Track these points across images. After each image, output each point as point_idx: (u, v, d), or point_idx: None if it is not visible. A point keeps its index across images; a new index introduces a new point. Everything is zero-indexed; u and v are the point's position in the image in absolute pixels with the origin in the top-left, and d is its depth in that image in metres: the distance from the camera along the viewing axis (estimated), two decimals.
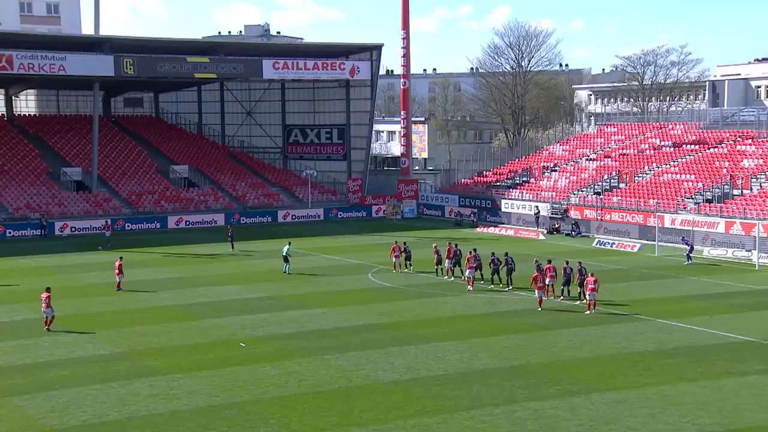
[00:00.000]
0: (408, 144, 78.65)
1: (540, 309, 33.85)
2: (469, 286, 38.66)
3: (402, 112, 78.42)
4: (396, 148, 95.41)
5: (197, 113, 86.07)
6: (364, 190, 76.55)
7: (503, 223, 67.05)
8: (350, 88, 78.77)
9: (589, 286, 33.74)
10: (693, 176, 61.68)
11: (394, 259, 43.91)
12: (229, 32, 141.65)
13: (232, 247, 52.07)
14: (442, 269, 42.18)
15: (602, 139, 76.94)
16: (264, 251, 51.86)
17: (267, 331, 31.21)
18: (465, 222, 67.94)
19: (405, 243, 45.73)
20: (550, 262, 36.95)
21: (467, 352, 27.85)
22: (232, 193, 73.60)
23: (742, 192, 56.92)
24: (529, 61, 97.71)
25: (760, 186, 56.85)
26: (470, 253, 39.58)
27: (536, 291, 34.14)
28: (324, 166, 79.76)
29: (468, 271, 39.01)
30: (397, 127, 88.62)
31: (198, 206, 69.97)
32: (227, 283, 41.19)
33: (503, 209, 69.62)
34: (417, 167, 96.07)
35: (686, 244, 47.38)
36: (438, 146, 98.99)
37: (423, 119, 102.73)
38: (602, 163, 70.93)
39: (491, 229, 64.28)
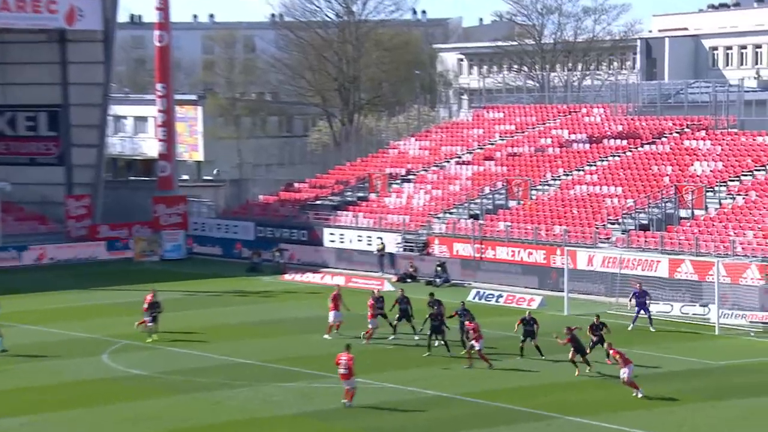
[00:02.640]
0: (170, 138, 78.01)
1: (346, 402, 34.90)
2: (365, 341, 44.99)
3: (159, 86, 77.61)
4: (150, 146, 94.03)
5: None
6: (95, 215, 75.36)
7: (327, 267, 67.51)
8: (68, 44, 77.35)
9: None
10: (620, 189, 64.83)
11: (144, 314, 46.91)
12: None
13: None
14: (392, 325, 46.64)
15: (481, 131, 79.52)
16: None
17: None
18: (265, 266, 67.91)
19: (153, 293, 47.89)
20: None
21: None
22: None
23: (692, 213, 60.37)
24: (364, 4, 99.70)
25: (720, 203, 60.56)
26: (372, 296, 46.55)
27: (343, 382, 35.17)
28: (24, 174, 77.53)
29: (371, 321, 45.59)
30: (151, 110, 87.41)
31: None
32: None
33: (327, 244, 70.17)
34: (186, 176, 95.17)
35: (636, 296, 48.99)
36: (220, 142, 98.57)
37: (195, 98, 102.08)
38: (481, 168, 73.20)
39: (308, 276, 64.49)
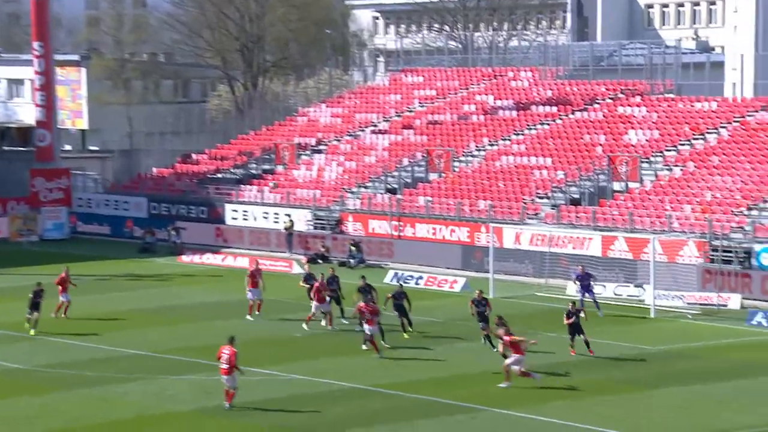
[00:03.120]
0: (49, 104, 77.25)
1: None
2: (304, 325, 44.98)
3: (36, 45, 76.83)
4: (27, 112, 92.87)
5: None
6: None
7: (229, 247, 67.43)
8: None
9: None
10: (549, 160, 65.61)
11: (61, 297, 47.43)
12: None
13: None
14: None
15: (399, 96, 79.84)
16: None
17: None
18: (159, 246, 67.65)
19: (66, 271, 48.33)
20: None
21: None
22: None
23: (627, 186, 61.35)
24: None
25: (655, 175, 61.61)
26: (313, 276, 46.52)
27: (223, 378, 34.46)
28: None
29: (314, 305, 45.43)
30: (28, 72, 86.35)
31: None
32: None
33: (229, 221, 70.10)
34: (69, 146, 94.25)
35: (578, 279, 49.25)
36: (108, 109, 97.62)
37: (78, 58, 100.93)
38: (399, 137, 73.55)
39: (208, 258, 64.40)
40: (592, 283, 49.02)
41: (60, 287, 47.73)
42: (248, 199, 70.83)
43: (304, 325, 45.50)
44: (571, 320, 40.58)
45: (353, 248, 62.39)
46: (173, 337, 44.63)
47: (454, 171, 67.45)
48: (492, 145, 69.53)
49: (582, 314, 41.23)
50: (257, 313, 47.75)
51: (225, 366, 34.08)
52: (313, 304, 45.75)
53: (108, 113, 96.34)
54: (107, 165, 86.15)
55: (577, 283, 49.14)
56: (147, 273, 60.29)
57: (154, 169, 78.90)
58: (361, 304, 41.83)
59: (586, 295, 48.51)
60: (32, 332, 45.10)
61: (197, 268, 62.55)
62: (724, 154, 61.00)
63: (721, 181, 58.61)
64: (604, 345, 42.83)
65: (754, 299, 50.80)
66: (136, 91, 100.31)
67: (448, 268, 59.44)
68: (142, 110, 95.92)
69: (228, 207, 70.55)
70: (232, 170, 75.24)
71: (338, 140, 75.69)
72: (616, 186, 61.53)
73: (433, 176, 67.90)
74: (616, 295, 52.07)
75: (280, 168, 73.83)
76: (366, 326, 40.96)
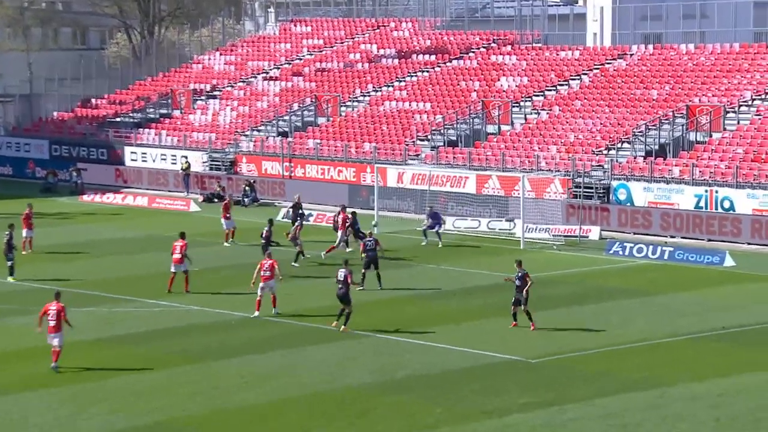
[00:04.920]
0: None
1: None
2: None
3: None
4: None
5: None
6: None
7: (129, 187, 66.87)
8: None
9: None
10: (428, 105, 65.99)
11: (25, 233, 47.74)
12: None
13: None
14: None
15: (289, 45, 79.50)
16: None
17: None
18: (61, 186, 66.83)
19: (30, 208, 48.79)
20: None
21: (67, 407, 27.71)
22: None
23: (499, 129, 62.04)
24: None
25: (525, 119, 62.36)
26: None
27: (48, 336, 31.48)
28: None
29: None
30: None
31: None
32: None
33: (128, 163, 69.57)
34: None
35: (429, 217, 49.88)
36: (8, 55, 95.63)
37: None
38: (289, 84, 73.35)
39: (108, 198, 63.84)
40: (436, 219, 49.97)
41: (23, 224, 47.75)
42: (146, 142, 70.23)
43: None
44: (518, 283, 35.71)
45: (247, 188, 62.25)
46: (75, 272, 44.20)
47: (341, 115, 67.57)
48: (376, 91, 69.72)
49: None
50: (232, 239, 49.67)
51: (52, 323, 31.29)
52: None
53: (8, 59, 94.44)
54: (8, 109, 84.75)
55: (429, 219, 49.93)
56: (49, 211, 59.41)
57: (55, 113, 77.83)
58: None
59: (435, 228, 49.55)
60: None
61: (98, 206, 62.06)
62: (585, 98, 61.97)
63: (583, 123, 59.57)
64: (479, 275, 43.53)
65: (612, 230, 52.20)
66: (35, 38, 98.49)
67: (336, 206, 59.52)
68: (42, 56, 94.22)
69: (127, 149, 69.93)
70: (130, 114, 74.45)
71: (232, 86, 75.26)
72: (490, 128, 62.22)
73: (321, 120, 67.98)
74: (489, 228, 52.88)
75: (176, 112, 73.20)
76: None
